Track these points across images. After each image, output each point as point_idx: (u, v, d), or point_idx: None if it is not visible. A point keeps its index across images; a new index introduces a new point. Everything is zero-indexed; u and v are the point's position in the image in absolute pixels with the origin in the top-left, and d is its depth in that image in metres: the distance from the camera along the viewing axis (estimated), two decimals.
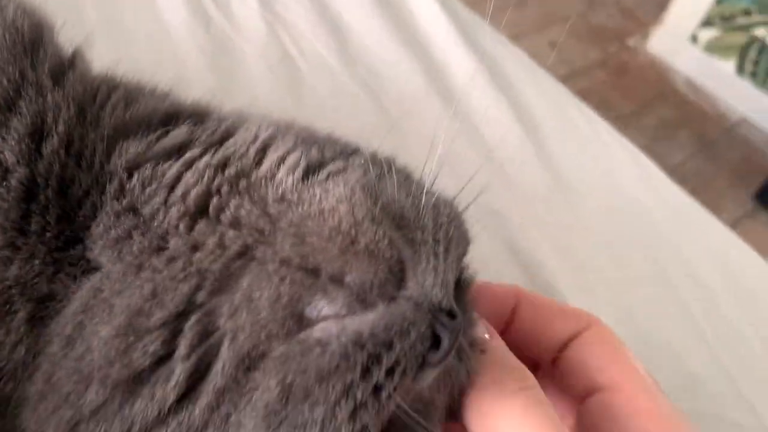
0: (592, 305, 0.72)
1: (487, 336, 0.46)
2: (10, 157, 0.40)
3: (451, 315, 0.38)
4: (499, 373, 0.43)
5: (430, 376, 0.39)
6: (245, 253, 0.38)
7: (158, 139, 0.44)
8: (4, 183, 0.39)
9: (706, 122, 2.51)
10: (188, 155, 0.43)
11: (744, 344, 0.76)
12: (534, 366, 0.50)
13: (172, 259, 0.38)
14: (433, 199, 0.43)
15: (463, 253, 0.47)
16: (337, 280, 0.36)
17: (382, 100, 0.84)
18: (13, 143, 0.40)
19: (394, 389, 0.36)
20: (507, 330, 0.51)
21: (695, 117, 2.51)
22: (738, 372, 0.73)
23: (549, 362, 0.51)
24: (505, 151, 0.84)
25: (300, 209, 0.39)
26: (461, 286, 0.45)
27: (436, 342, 0.37)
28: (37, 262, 0.40)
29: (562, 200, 0.83)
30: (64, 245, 0.40)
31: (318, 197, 0.40)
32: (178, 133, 0.44)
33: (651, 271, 0.79)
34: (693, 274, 0.81)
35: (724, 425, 0.69)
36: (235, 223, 0.39)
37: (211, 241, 0.39)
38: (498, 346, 0.46)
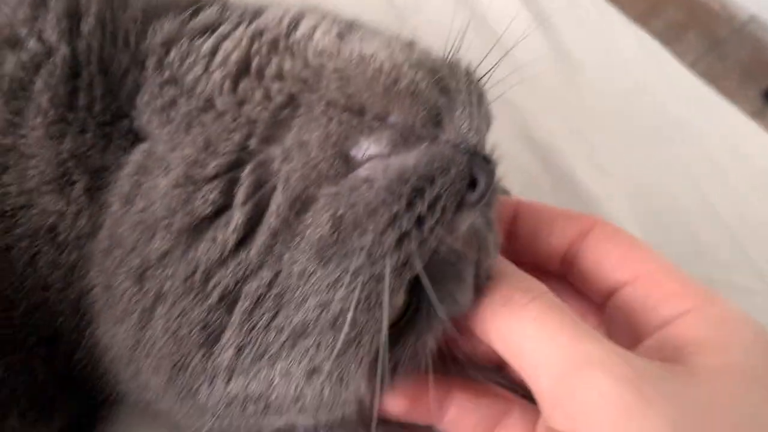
0: (607, 184, 0.76)
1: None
2: (51, 35, 0.42)
3: (485, 160, 0.40)
4: (506, 288, 0.43)
5: (467, 218, 0.41)
6: (291, 102, 0.40)
7: (190, 18, 0.46)
8: (51, 60, 0.42)
9: (715, 22, 2.47)
10: (221, 29, 0.45)
11: (754, 215, 0.78)
12: (544, 274, 0.50)
13: (220, 114, 0.41)
14: (462, 63, 0.46)
15: (489, 126, 0.50)
16: (381, 120, 0.39)
17: None
18: (53, 22, 0.42)
19: (436, 223, 0.38)
20: (508, 242, 0.50)
21: (704, 17, 2.47)
22: (749, 241, 0.76)
23: (558, 267, 0.50)
24: (515, 42, 0.84)
25: (341, 58, 0.41)
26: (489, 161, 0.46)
27: (472, 184, 0.39)
28: (88, 135, 0.42)
29: (574, 86, 0.84)
30: (112, 120, 0.43)
31: (358, 48, 0.42)
32: (209, 13, 0.47)
33: (664, 152, 0.81)
34: (705, 154, 0.82)
35: (735, 291, 0.72)
36: (279, 76, 0.41)
37: (257, 94, 0.41)
38: (500, 260, 0.46)
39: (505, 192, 0.61)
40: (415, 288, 0.41)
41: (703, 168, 0.81)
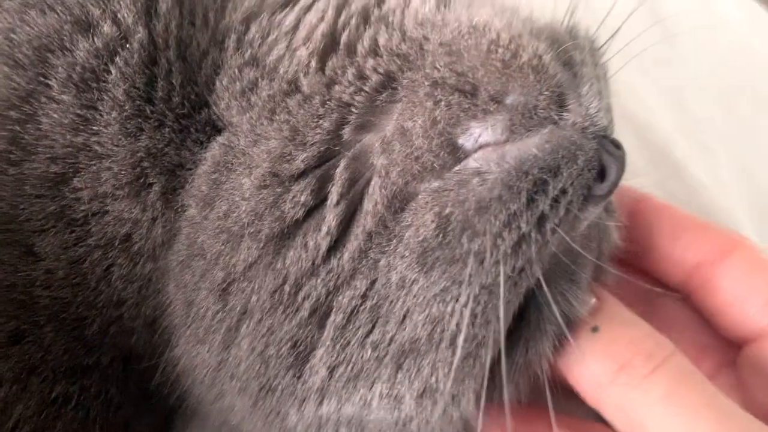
0: (711, 164, 0.69)
1: (594, 300, 0.40)
2: (127, 17, 0.38)
3: (616, 145, 0.35)
4: (622, 348, 0.38)
5: (593, 213, 0.36)
6: (390, 82, 0.36)
7: None
8: (127, 46, 0.37)
9: None
10: (303, 1, 0.40)
11: None
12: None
13: (307, 98, 0.36)
14: (582, 30, 0.40)
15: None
16: (498, 101, 0.33)
17: None
18: (129, 1, 0.38)
19: (560, 222, 0.34)
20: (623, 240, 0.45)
21: None
22: None
23: (679, 283, 0.45)
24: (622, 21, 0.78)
25: (449, 28, 0.36)
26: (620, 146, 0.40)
27: (601, 175, 0.34)
28: (166, 130, 0.38)
29: (672, 56, 0.77)
30: (191, 111, 0.39)
31: (466, 17, 0.36)
32: None
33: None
34: None
35: None
36: (373, 52, 0.37)
37: (349, 73, 0.36)
38: (607, 299, 0.41)
39: None
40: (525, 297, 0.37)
41: None
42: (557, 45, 0.36)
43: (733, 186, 0.69)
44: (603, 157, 0.34)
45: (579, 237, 0.38)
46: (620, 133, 0.69)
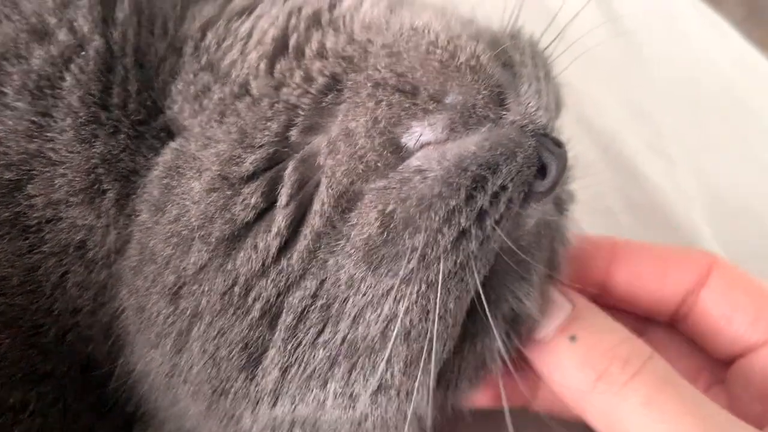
0: (669, 171, 0.71)
1: (569, 307, 0.42)
2: (84, 25, 0.39)
3: (556, 143, 0.36)
4: (599, 355, 0.39)
5: (536, 210, 0.37)
6: (335, 84, 0.37)
7: (227, 2, 0.43)
8: (82, 54, 0.38)
9: None
10: (258, 10, 0.41)
11: None
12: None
13: (256, 100, 0.37)
14: (524, 33, 0.42)
15: (559, 106, 0.45)
16: (437, 101, 0.35)
17: None
18: (85, 10, 0.39)
19: (500, 218, 0.35)
20: (604, 290, 0.47)
21: None
22: None
23: (668, 318, 0.46)
24: (574, 23, 0.80)
25: (392, 31, 0.37)
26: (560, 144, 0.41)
27: (542, 171, 0.35)
28: (121, 136, 0.39)
29: (635, 69, 0.79)
30: (147, 117, 0.40)
31: (409, 20, 0.37)
32: None
33: (730, 135, 0.76)
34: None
35: None
36: (320, 55, 0.38)
37: (297, 76, 0.37)
38: (584, 305, 0.43)
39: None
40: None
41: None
42: (496, 46, 0.37)
43: (691, 191, 0.71)
44: (543, 155, 0.35)
45: (528, 235, 0.39)
46: (582, 142, 0.71)
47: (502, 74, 0.36)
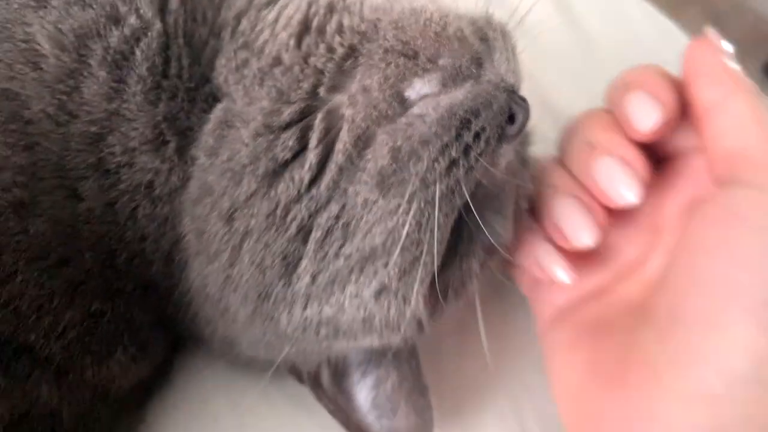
0: None
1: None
2: (147, 11, 0.48)
3: (522, 99, 0.46)
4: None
5: (507, 151, 0.47)
6: (353, 52, 0.46)
7: None
8: (148, 34, 0.47)
9: None
10: (282, 1, 0.51)
11: None
12: None
13: (289, 68, 0.47)
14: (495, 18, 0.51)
15: (521, 78, 0.54)
16: (432, 62, 0.45)
17: None
18: (146, 1, 0.48)
19: (481, 153, 0.45)
20: None
21: None
22: None
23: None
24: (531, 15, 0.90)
25: (396, 11, 0.47)
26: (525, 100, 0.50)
27: (511, 119, 0.45)
28: (178, 99, 0.48)
29: (591, 58, 0.90)
30: (196, 85, 0.49)
31: (408, 3, 0.48)
32: None
33: None
34: None
35: None
36: (339, 31, 0.47)
37: (321, 48, 0.47)
38: None
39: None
40: (458, 217, 0.47)
41: None
42: (476, 25, 0.47)
43: None
44: (512, 106, 0.45)
45: (502, 176, 0.48)
46: (543, 122, 0.82)
47: (480, 45, 0.46)
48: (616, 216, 0.53)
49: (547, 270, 0.52)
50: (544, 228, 0.53)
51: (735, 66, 0.48)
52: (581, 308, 0.54)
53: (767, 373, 0.40)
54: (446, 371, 0.62)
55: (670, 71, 0.52)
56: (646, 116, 0.48)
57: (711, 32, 0.50)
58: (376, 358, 0.54)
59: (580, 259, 0.53)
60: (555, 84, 0.87)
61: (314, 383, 0.55)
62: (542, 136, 0.78)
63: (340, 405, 0.54)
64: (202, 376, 0.60)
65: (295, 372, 0.56)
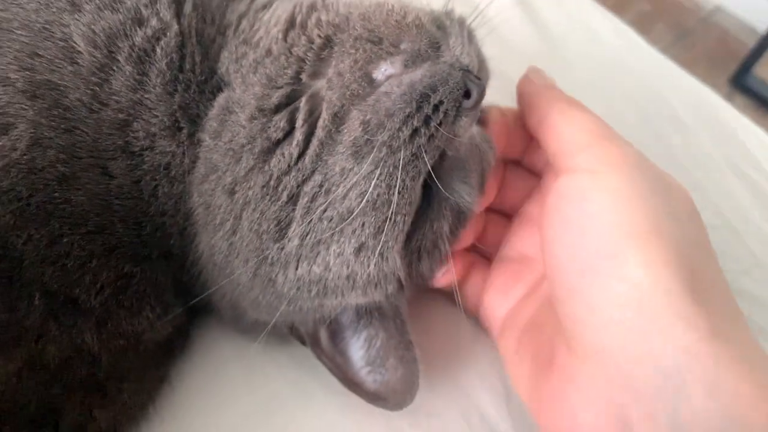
0: None
1: None
2: (166, 15, 0.55)
3: (477, 77, 0.53)
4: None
5: (466, 124, 0.53)
6: (329, 42, 0.54)
7: (251, 0, 0.61)
8: (167, 34, 0.55)
9: (681, 13, 2.65)
10: (275, 5, 0.59)
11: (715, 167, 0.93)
12: None
13: (276, 57, 0.55)
14: (454, 13, 0.59)
15: (483, 62, 0.62)
16: (395, 46, 0.52)
17: None
18: (166, 5, 0.56)
19: (440, 123, 0.51)
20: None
21: (671, 9, 2.65)
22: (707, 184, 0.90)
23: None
24: (505, 28, 0.98)
25: (364, 5, 0.55)
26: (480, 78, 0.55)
27: (467, 95, 0.52)
28: (191, 91, 0.55)
29: (561, 69, 0.98)
30: (207, 78, 0.56)
31: (373, 1, 0.55)
32: None
33: (640, 122, 0.94)
34: (674, 116, 0.97)
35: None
36: (317, 25, 0.55)
37: (302, 40, 0.55)
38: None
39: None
40: (426, 185, 0.53)
41: (674, 127, 0.95)
42: (433, 15, 0.55)
43: None
44: (467, 83, 0.51)
45: (464, 148, 0.55)
46: None
47: (437, 32, 0.53)
48: (515, 224, 0.66)
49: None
50: None
51: (551, 84, 0.61)
52: (518, 314, 0.61)
53: (646, 309, 0.45)
54: (436, 334, 0.69)
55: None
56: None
57: (531, 70, 0.63)
58: (365, 318, 0.59)
59: (506, 272, 0.64)
60: None
61: (314, 343, 0.61)
62: None
63: (337, 363, 0.60)
64: (218, 343, 0.66)
65: (296, 334, 0.62)
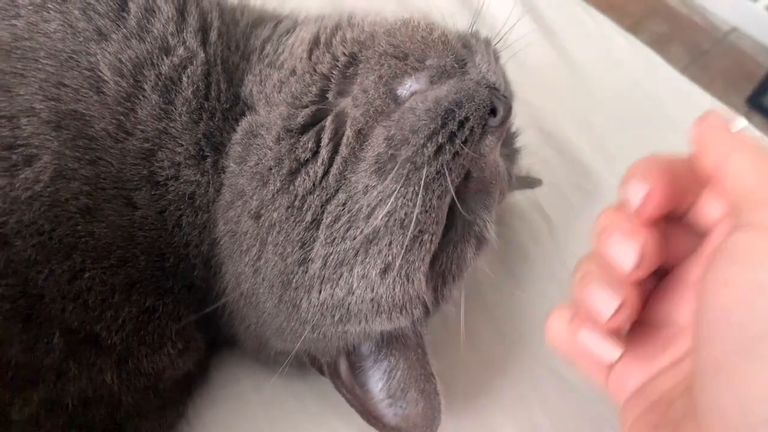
0: (611, 168, 0.90)
1: None
2: (193, 44, 0.56)
3: (504, 95, 0.52)
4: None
5: (491, 143, 0.53)
6: (354, 60, 0.54)
7: (275, 26, 0.61)
8: (193, 62, 0.55)
9: (697, 34, 2.65)
10: (298, 29, 0.60)
11: None
12: None
13: (300, 76, 0.55)
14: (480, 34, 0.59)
15: (507, 84, 0.61)
16: (421, 62, 0.52)
17: None
18: (192, 34, 0.56)
19: (465, 140, 0.51)
20: None
21: (687, 30, 2.66)
22: None
23: None
24: (524, 51, 0.99)
25: (389, 22, 0.55)
26: (506, 97, 0.55)
27: (493, 112, 0.51)
28: (216, 118, 0.56)
29: (580, 89, 0.99)
30: (231, 106, 0.56)
31: (399, 18, 0.56)
32: (288, 22, 0.62)
33: (659, 143, 0.94)
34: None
35: None
36: (342, 42, 0.56)
37: (327, 58, 0.55)
38: None
39: (536, 181, 0.75)
40: (451, 207, 0.53)
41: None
42: (459, 35, 0.55)
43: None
44: (493, 100, 0.51)
45: (488, 170, 0.54)
46: (543, 148, 0.90)
47: (462, 50, 0.53)
48: (667, 284, 0.51)
49: (596, 354, 0.48)
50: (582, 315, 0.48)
51: (739, 127, 0.46)
52: (652, 387, 0.49)
53: None
54: (458, 365, 0.67)
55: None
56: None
57: (710, 112, 0.47)
58: (385, 348, 0.59)
59: (650, 339, 0.50)
60: (547, 110, 0.95)
61: (334, 374, 0.60)
62: (539, 156, 0.86)
63: (356, 394, 0.59)
64: (237, 376, 0.66)
65: (316, 365, 0.61)
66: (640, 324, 0.51)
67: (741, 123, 0.47)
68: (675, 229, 0.50)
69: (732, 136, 0.45)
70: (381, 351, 0.59)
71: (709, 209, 0.50)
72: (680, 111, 1.00)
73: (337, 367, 0.60)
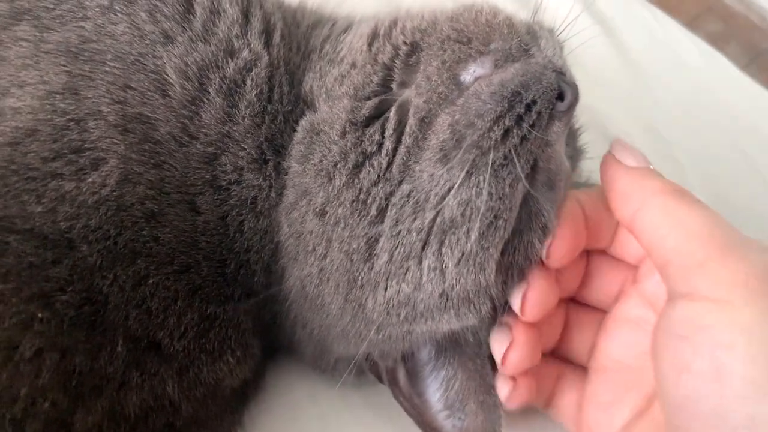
0: (680, 174, 0.88)
1: None
2: (257, 46, 0.56)
3: (571, 80, 0.51)
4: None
5: (558, 129, 0.51)
6: (415, 48, 0.54)
7: (332, 26, 0.61)
8: (257, 64, 0.55)
9: (755, 33, 2.59)
10: (354, 27, 0.60)
11: None
12: None
13: (362, 67, 0.55)
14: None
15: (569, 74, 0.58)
16: (485, 46, 0.51)
17: None
18: (256, 36, 0.56)
19: (533, 124, 0.49)
20: None
21: (744, 29, 2.60)
22: None
23: None
24: (585, 52, 0.97)
25: (450, 8, 0.55)
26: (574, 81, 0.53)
27: (560, 97, 0.50)
28: (278, 120, 0.56)
29: (645, 94, 0.97)
30: (292, 108, 0.56)
31: (460, 4, 0.55)
32: (343, 21, 0.62)
33: (728, 146, 0.93)
34: (762, 136, 0.95)
35: None
36: (403, 32, 0.55)
37: (388, 47, 0.55)
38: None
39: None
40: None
41: (763, 159, 0.93)
42: (524, 22, 0.54)
43: (696, 189, 0.88)
44: (561, 84, 0.50)
45: (554, 161, 0.52)
46: (603, 151, 0.88)
47: (527, 34, 0.52)
48: (608, 325, 0.59)
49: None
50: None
51: (645, 168, 0.52)
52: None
53: None
54: None
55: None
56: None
57: (616, 143, 0.54)
58: (444, 356, 0.58)
59: (607, 385, 0.57)
60: (613, 117, 0.93)
61: (392, 381, 0.60)
62: None
63: (414, 404, 0.59)
64: (291, 386, 0.66)
65: (375, 371, 0.61)
66: (595, 370, 0.59)
67: (641, 160, 0.53)
68: (601, 261, 0.58)
69: (642, 185, 0.50)
70: (439, 359, 0.58)
71: (629, 244, 0.57)
72: (750, 116, 0.98)
73: (396, 374, 0.59)
